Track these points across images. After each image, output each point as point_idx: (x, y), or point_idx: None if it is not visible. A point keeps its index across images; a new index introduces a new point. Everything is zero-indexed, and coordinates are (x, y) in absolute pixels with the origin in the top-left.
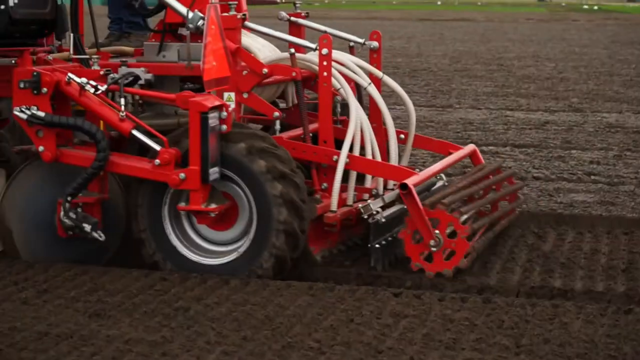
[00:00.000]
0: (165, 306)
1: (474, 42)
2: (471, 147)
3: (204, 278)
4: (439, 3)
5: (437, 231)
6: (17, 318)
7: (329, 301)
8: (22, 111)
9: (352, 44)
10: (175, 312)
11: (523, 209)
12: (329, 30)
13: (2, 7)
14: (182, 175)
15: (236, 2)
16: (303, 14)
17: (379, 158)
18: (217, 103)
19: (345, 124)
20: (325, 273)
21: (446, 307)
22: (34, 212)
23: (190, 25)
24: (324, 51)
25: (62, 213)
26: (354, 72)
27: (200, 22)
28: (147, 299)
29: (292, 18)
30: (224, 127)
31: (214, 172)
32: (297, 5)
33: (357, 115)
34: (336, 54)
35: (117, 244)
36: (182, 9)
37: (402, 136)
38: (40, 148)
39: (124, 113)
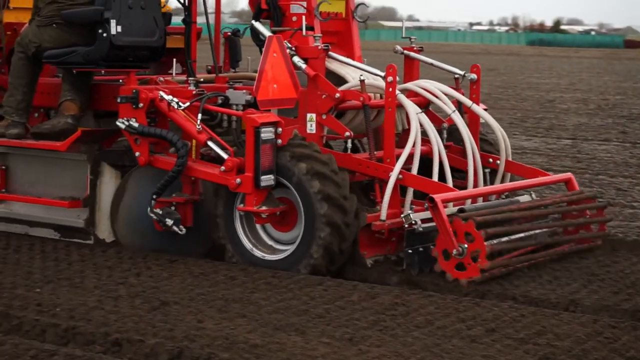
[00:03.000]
0: (616, 355)
1: None
2: (567, 175)
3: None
4: None
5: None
6: (467, 355)
7: None
8: (122, 122)
9: (456, 76)
10: None
11: None
12: (435, 62)
13: (104, 35)
14: (238, 180)
15: (320, 35)
16: (416, 48)
17: (449, 177)
18: (272, 119)
19: (450, 148)
20: None
21: None
22: (138, 208)
23: None
24: (389, 79)
25: (148, 209)
26: (441, 100)
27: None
28: (597, 346)
29: (406, 51)
30: (279, 141)
31: (267, 179)
32: (412, 40)
33: (417, 136)
34: (426, 84)
35: (210, 242)
36: None
37: (498, 162)
38: (137, 153)
39: (200, 126)
